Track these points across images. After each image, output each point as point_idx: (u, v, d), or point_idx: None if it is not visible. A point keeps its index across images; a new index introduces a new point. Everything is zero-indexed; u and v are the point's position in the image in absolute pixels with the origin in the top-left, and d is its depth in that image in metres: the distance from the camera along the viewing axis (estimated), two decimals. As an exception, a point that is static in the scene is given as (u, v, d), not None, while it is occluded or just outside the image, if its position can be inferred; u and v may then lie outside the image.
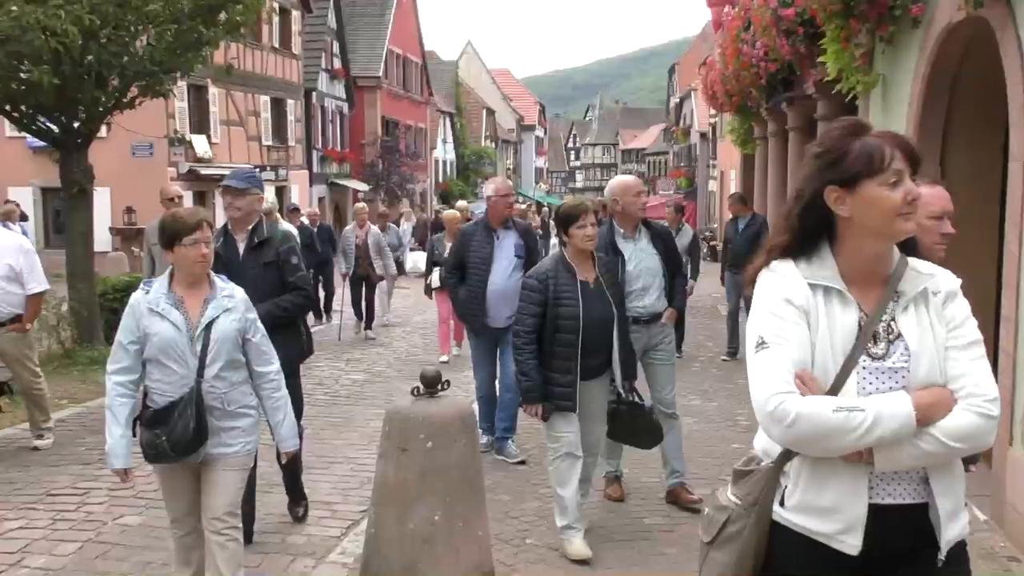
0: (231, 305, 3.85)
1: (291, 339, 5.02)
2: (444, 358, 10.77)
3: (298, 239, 7.40)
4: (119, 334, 3.81)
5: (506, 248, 6.76)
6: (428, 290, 10.74)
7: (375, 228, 13.45)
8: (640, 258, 5.57)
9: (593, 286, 4.92)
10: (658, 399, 5.59)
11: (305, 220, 14.72)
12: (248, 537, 4.73)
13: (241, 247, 5.05)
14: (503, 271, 6.68)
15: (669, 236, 5.99)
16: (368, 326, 13.40)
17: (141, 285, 3.91)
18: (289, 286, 5.06)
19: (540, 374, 4.87)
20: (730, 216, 12.40)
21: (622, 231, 5.59)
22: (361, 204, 14.45)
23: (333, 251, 14.57)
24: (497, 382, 7.10)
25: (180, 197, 8.72)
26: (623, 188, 5.65)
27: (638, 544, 5.03)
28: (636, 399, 5.10)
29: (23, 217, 15.09)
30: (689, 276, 9.55)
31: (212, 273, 3.89)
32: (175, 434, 3.67)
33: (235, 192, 5.00)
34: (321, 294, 13.78)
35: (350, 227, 13.46)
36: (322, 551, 5.01)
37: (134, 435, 3.80)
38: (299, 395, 5.22)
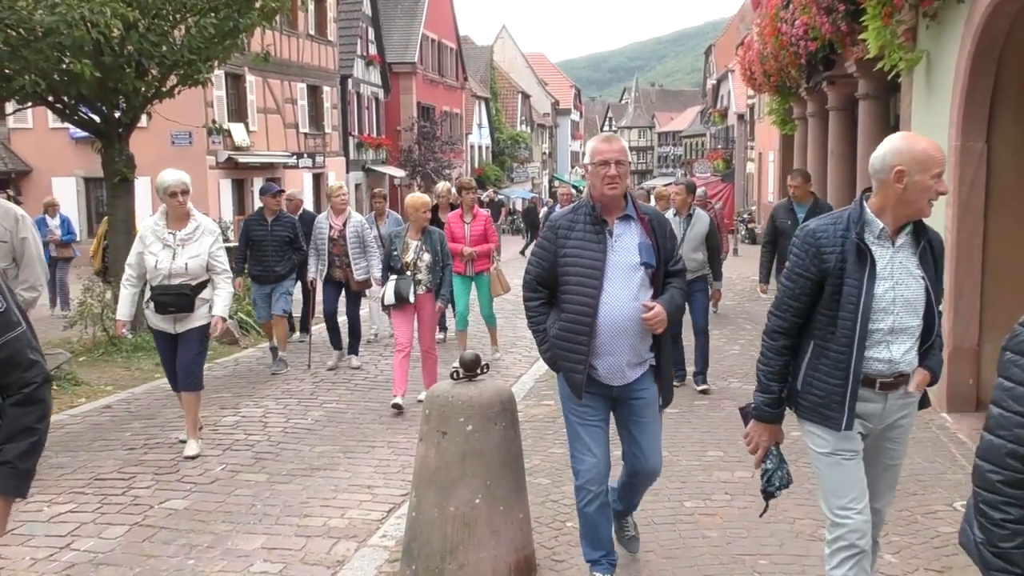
0: None
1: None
2: (397, 400, 7.73)
3: (219, 232, 6.71)
4: None
5: (626, 249, 4.02)
6: (383, 306, 8.10)
7: (358, 216, 9.89)
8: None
9: None
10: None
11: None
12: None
13: None
14: (624, 286, 3.98)
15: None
16: (353, 350, 9.91)
17: None
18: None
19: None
20: (780, 201, 9.46)
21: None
22: (337, 184, 10.44)
23: None
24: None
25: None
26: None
27: (679, 527, 5.01)
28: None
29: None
30: (712, 276, 8.42)
31: None
32: None
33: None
34: (298, 295, 10.57)
35: (323, 214, 9.96)
36: (364, 534, 5.05)
37: None
38: None
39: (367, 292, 10.60)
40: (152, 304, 6.44)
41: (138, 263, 6.50)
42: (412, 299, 7.66)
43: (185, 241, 6.41)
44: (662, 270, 4.06)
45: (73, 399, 8.41)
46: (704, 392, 8.19)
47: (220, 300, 6.48)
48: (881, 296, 3.23)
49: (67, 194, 22.29)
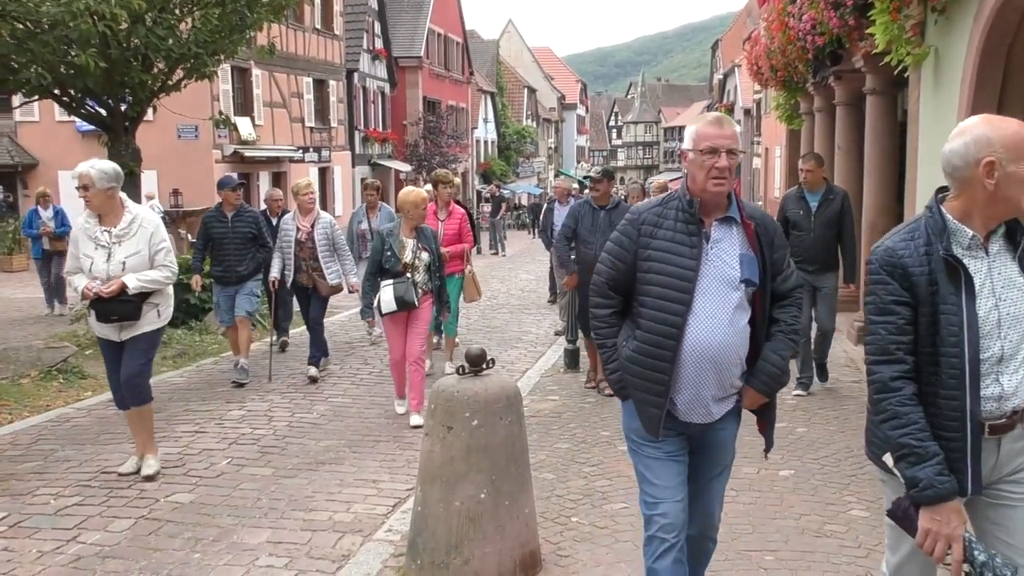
0: None
1: None
2: (402, 407, 7.47)
3: (161, 225, 6.02)
4: None
5: (725, 259, 3.27)
6: (366, 311, 7.39)
7: (327, 216, 9.02)
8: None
9: None
10: None
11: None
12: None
13: None
14: (718, 305, 3.24)
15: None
16: (314, 360, 8.98)
17: None
18: None
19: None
20: (788, 190, 8.34)
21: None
22: (304, 181, 9.32)
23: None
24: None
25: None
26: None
27: (684, 523, 5.00)
28: None
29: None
30: None
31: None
32: None
33: None
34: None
35: (289, 214, 9.15)
36: (369, 528, 5.06)
37: None
38: None
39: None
40: (93, 312, 5.78)
41: (76, 269, 5.86)
42: (418, 303, 7.07)
43: (121, 238, 5.74)
44: (768, 288, 3.32)
45: (79, 392, 8.44)
46: None
47: (144, 276, 5.71)
48: (984, 318, 2.63)
49: (74, 187, 22.28)
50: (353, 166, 32.58)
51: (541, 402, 7.76)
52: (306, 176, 26.89)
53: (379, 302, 7.02)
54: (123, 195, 5.88)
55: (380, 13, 35.76)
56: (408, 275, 7.05)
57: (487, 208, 32.52)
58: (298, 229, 8.79)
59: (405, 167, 36.22)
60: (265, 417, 7.48)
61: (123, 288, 5.63)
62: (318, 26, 29.42)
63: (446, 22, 43.09)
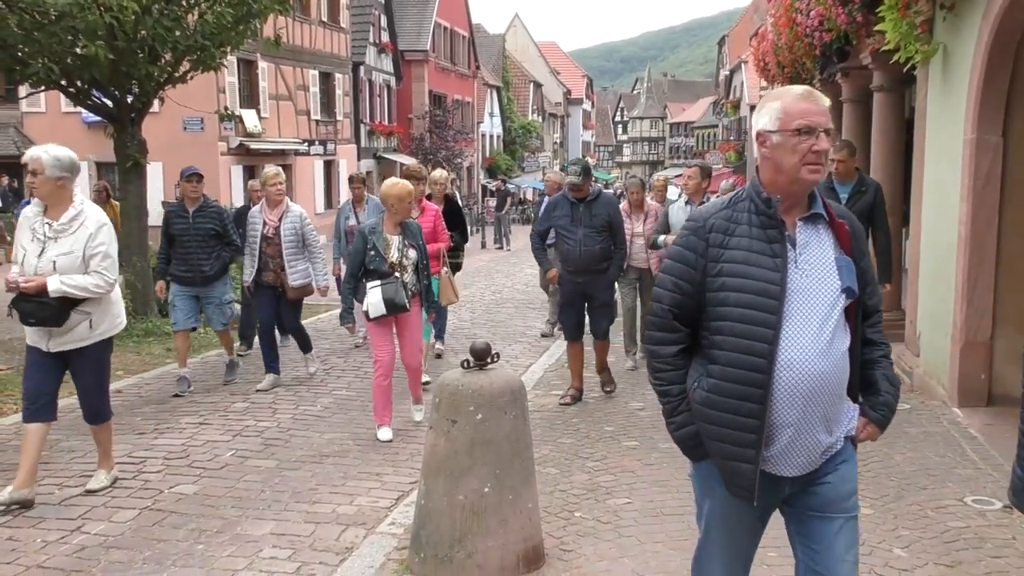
0: None
1: None
2: (386, 432, 6.64)
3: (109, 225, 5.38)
4: None
5: (817, 266, 2.69)
6: (347, 315, 6.70)
7: (297, 209, 8.15)
8: None
9: None
10: None
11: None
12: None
13: None
14: (815, 325, 2.64)
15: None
16: (305, 349, 8.60)
17: None
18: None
19: None
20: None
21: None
22: (272, 170, 8.16)
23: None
24: None
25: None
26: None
27: (688, 518, 4.99)
28: None
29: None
30: None
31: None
32: None
33: None
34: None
35: (257, 207, 8.31)
36: (372, 521, 5.06)
37: None
38: None
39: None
40: (15, 311, 5.16)
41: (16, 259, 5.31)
42: (408, 305, 6.49)
43: (59, 233, 5.13)
44: (861, 302, 2.75)
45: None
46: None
47: (70, 280, 5.07)
48: None
49: (79, 178, 22.31)
50: (358, 159, 32.58)
51: (545, 396, 7.76)
52: (311, 168, 26.94)
53: (366, 306, 6.42)
54: (76, 189, 5.32)
55: (386, 6, 35.73)
56: (396, 275, 6.46)
57: (492, 202, 32.51)
58: (264, 223, 8.02)
59: (411, 161, 36.19)
60: (269, 409, 7.49)
61: (43, 288, 5.02)
62: (324, 19, 29.41)
63: (452, 16, 43.05)
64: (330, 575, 4.36)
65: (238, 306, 9.76)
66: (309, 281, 8.12)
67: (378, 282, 6.40)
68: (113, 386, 8.24)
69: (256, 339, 8.98)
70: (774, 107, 2.68)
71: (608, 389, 7.89)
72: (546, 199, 11.50)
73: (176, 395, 7.90)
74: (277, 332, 8.71)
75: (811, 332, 2.60)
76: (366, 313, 6.48)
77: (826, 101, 2.68)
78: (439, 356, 9.54)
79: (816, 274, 2.64)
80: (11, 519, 5.05)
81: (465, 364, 4.31)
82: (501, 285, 17.43)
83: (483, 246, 28.34)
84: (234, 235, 8.18)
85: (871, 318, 2.82)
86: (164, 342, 10.21)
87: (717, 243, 2.67)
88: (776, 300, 2.58)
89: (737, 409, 2.62)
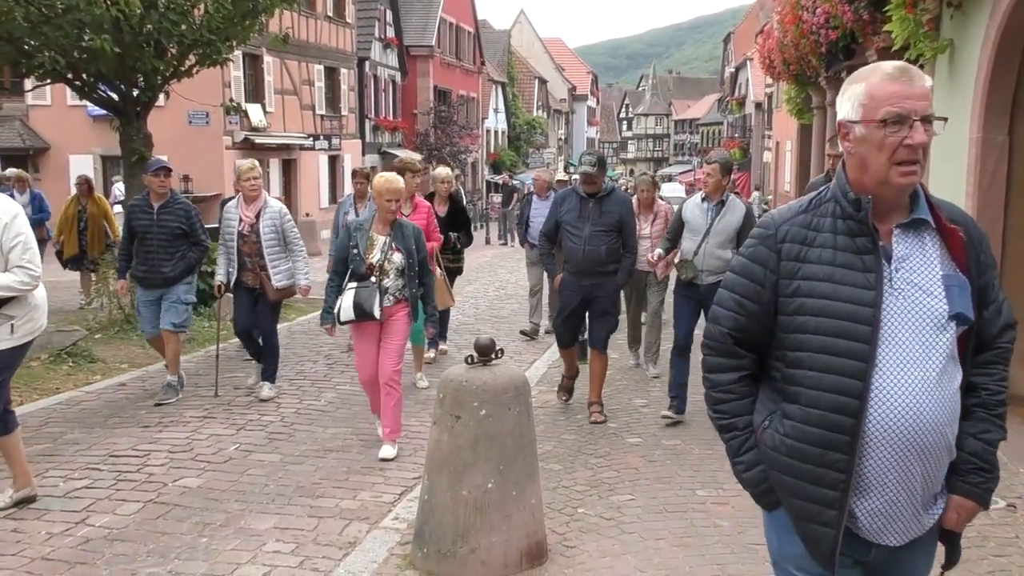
0: None
1: None
2: (389, 452, 6.11)
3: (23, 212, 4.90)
4: None
5: (919, 284, 2.18)
6: (327, 315, 6.15)
7: (276, 204, 7.55)
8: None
9: None
10: None
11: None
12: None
13: None
14: (918, 357, 2.14)
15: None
16: (268, 376, 7.80)
17: None
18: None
19: None
20: (815, 178, 7.50)
21: None
22: (247, 163, 7.66)
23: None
24: None
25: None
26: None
27: (691, 515, 5.00)
28: None
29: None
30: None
31: None
32: None
33: None
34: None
35: (232, 202, 7.69)
36: (376, 516, 5.07)
37: None
38: None
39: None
40: None
41: None
42: (378, 314, 5.90)
43: None
44: (975, 330, 2.24)
45: (89, 376, 8.47)
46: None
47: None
48: None
49: (84, 171, 22.29)
50: (363, 154, 32.57)
51: (549, 393, 7.76)
52: (315, 163, 26.93)
53: (339, 309, 5.97)
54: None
55: (392, 1, 35.72)
56: (374, 279, 5.95)
57: (497, 199, 32.49)
58: (241, 220, 7.43)
59: (416, 156, 36.19)
60: (273, 404, 7.50)
61: None
62: (330, 14, 29.39)
63: (458, 11, 43.02)
64: (333, 569, 4.37)
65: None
66: (293, 282, 7.56)
67: (355, 284, 5.96)
68: (118, 379, 8.31)
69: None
70: (857, 90, 2.17)
71: (596, 420, 6.88)
72: (534, 199, 11.26)
73: (158, 404, 7.36)
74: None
75: (912, 366, 2.12)
76: (337, 315, 6.02)
77: (926, 80, 2.15)
78: (444, 353, 9.50)
79: (916, 296, 2.15)
80: (16, 511, 5.07)
81: (469, 360, 4.32)
82: (505, 281, 17.43)
83: (487, 242, 28.34)
84: (202, 235, 7.62)
85: (986, 351, 2.27)
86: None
87: (792, 255, 2.21)
88: (868, 326, 2.11)
89: (819, 459, 2.17)
